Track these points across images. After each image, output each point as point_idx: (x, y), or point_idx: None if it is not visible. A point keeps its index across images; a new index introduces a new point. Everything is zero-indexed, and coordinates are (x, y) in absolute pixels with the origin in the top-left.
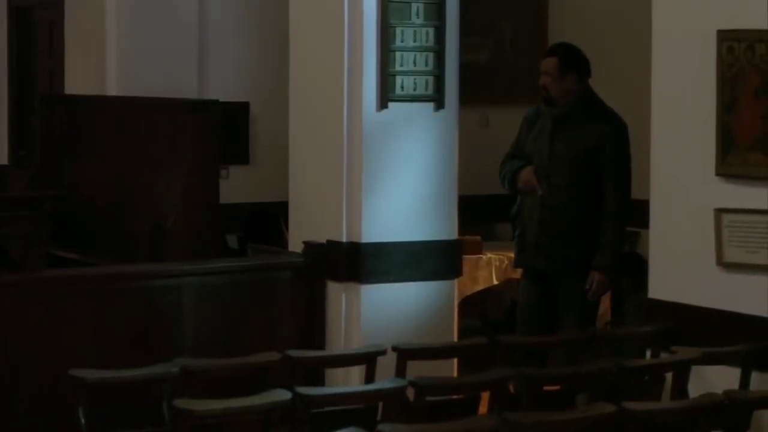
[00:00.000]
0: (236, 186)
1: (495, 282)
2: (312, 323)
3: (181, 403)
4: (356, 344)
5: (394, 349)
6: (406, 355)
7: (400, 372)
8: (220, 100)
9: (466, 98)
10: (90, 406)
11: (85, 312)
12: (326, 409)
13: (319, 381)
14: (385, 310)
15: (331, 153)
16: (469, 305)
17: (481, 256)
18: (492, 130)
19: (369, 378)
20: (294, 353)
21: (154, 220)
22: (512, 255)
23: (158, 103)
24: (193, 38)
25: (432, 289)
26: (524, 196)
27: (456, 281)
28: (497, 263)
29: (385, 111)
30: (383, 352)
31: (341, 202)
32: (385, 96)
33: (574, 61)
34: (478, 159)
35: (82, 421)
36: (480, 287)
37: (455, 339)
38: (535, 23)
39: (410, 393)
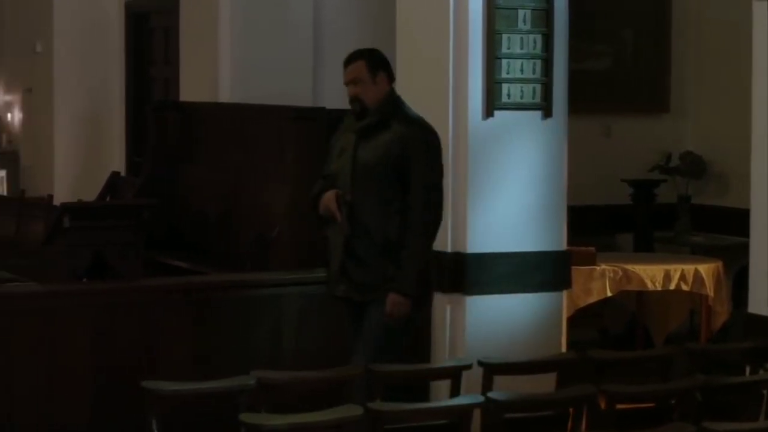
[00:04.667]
0: None
1: (609, 294)
2: (416, 335)
3: (250, 417)
4: (461, 356)
5: (480, 363)
6: (491, 369)
7: (486, 387)
8: (335, 107)
9: (586, 107)
10: (165, 419)
11: (181, 322)
12: (400, 425)
13: (424, 395)
14: (490, 322)
15: None
16: (588, 317)
17: (594, 267)
18: (613, 139)
19: (454, 392)
20: (375, 367)
21: (259, 230)
22: (628, 266)
23: (265, 110)
24: (308, 46)
25: (539, 301)
26: (330, 220)
27: (565, 293)
28: (611, 275)
29: (491, 119)
30: (468, 367)
31: (446, 211)
32: (491, 104)
33: (380, 59)
34: (598, 169)
35: None
36: (593, 299)
37: (563, 352)
38: (657, 31)
39: None
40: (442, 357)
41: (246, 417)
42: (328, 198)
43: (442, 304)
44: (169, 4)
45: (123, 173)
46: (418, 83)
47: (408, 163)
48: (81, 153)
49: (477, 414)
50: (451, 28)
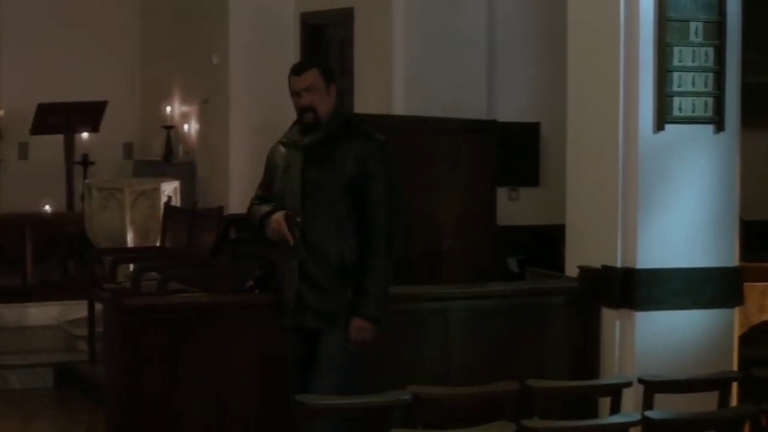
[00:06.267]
0: (526, 208)
1: None
2: (585, 350)
3: None
4: (630, 373)
5: (640, 381)
6: (651, 387)
7: (647, 405)
8: (510, 120)
9: (762, 120)
10: None
11: None
12: None
13: (592, 412)
14: (660, 339)
15: (607, 175)
16: (764, 334)
17: None
18: None
19: (614, 410)
20: (534, 383)
21: (431, 242)
22: None
23: (436, 123)
24: (482, 58)
25: (710, 318)
26: (278, 244)
27: (737, 310)
28: None
29: (661, 133)
30: (628, 384)
31: (616, 226)
32: (662, 117)
33: (331, 71)
34: None
35: None
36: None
37: (734, 369)
38: None
39: None
40: (611, 373)
41: None
42: (277, 220)
43: (611, 319)
44: (344, 15)
45: None
46: (589, 96)
47: (367, 181)
48: (256, 164)
49: None
50: (621, 40)
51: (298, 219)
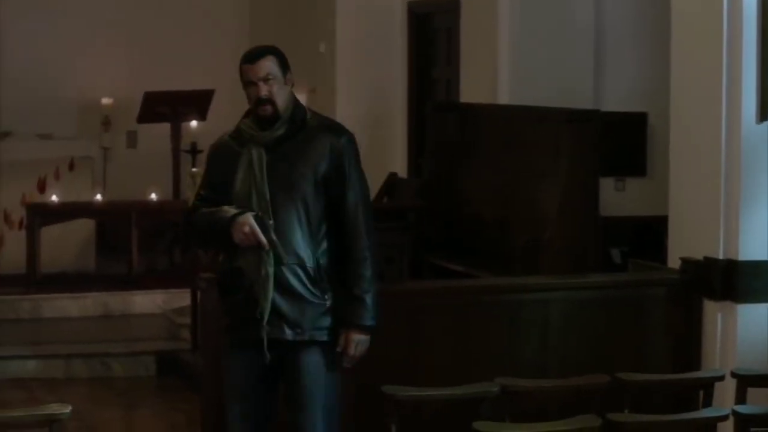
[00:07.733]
0: (632, 198)
1: None
2: (686, 343)
3: (483, 425)
4: (731, 366)
5: (734, 375)
6: (745, 381)
7: (740, 399)
8: (617, 110)
9: None
10: (403, 424)
11: (445, 325)
12: None
13: (693, 406)
14: (762, 332)
15: (709, 166)
16: None
17: None
18: None
19: (706, 404)
20: (624, 376)
21: (532, 233)
22: None
23: (540, 112)
24: (589, 47)
25: None
26: (246, 249)
27: None
28: None
29: (765, 124)
30: (721, 378)
31: (718, 217)
32: (765, 109)
33: (286, 58)
34: None
35: None
36: None
37: None
38: None
39: None
40: (712, 366)
41: (479, 425)
42: (243, 223)
43: (713, 312)
44: (451, 4)
45: (404, 174)
46: (692, 87)
47: (341, 179)
48: (363, 153)
49: (728, 426)
50: (725, 31)
51: (271, 221)
